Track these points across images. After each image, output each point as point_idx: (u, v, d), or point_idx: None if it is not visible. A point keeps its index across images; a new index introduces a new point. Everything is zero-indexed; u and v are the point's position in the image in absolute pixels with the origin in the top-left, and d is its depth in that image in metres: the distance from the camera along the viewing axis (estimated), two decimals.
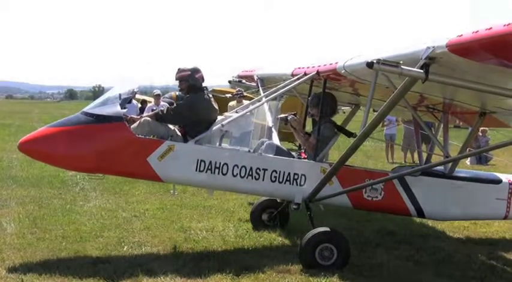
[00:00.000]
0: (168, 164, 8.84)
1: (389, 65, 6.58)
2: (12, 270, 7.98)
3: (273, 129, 10.29)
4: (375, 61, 6.65)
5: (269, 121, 10.23)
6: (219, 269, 8.22)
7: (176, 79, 9.63)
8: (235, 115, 9.47)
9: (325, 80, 9.40)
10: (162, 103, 19.81)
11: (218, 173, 8.96)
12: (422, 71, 6.42)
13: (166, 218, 11.38)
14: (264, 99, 10.08)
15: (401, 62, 6.57)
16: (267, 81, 11.95)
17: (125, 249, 9.28)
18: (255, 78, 12.42)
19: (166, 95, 22.92)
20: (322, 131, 9.50)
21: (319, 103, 9.61)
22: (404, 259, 9.36)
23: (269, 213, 10.84)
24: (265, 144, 9.40)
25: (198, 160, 8.92)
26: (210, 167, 8.94)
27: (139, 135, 8.86)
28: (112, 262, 8.49)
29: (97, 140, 8.70)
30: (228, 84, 14.94)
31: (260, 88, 11.75)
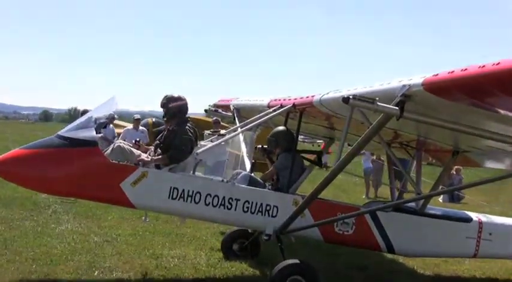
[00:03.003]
0: (141, 190, 8.76)
1: (365, 101, 6.65)
2: None
3: (247, 159, 10.29)
4: (351, 97, 6.72)
5: (244, 151, 10.23)
6: None
7: (164, 107, 9.56)
8: (210, 144, 9.45)
9: (301, 113, 9.44)
10: (141, 128, 19.74)
11: (191, 201, 8.91)
12: (397, 108, 6.48)
13: (138, 244, 11.30)
14: (239, 130, 10.12)
15: (377, 98, 6.64)
16: (243, 111, 11.99)
17: (95, 274, 9.22)
18: (231, 108, 12.43)
19: (142, 121, 22.81)
20: (279, 159, 9.71)
21: (277, 140, 9.90)
22: None
23: (240, 244, 10.81)
24: (239, 174, 9.41)
25: (171, 188, 8.85)
26: (182, 195, 8.88)
27: (113, 161, 8.80)
28: None
29: (70, 164, 8.60)
30: (204, 113, 14.88)
31: (236, 118, 11.80)
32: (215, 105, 13.92)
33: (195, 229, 12.93)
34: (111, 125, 19.10)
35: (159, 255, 10.53)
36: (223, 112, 13.44)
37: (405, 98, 6.42)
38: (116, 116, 19.80)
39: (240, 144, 10.18)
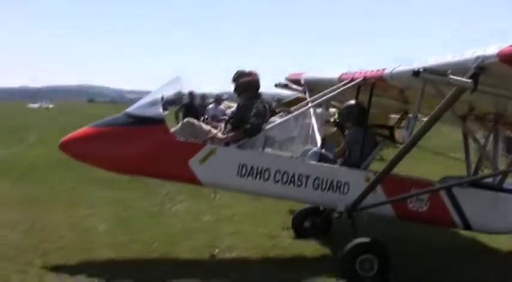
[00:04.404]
0: (209, 168, 8.68)
1: (437, 73, 6.39)
2: (106, 268, 8.19)
3: (317, 135, 10.11)
4: (421, 70, 6.47)
5: (314, 126, 10.03)
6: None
7: (234, 82, 9.53)
8: (279, 120, 9.31)
9: (372, 86, 9.20)
10: (222, 105, 19.88)
11: (260, 179, 8.79)
12: (470, 81, 6.20)
13: (253, 223, 11.39)
14: (310, 104, 9.91)
15: (449, 70, 6.36)
16: (314, 86, 11.77)
17: (215, 252, 9.39)
18: (302, 81, 12.24)
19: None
20: (350, 134, 9.51)
21: (348, 115, 9.63)
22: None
23: (312, 221, 10.73)
24: (309, 150, 9.25)
25: (239, 165, 8.73)
26: (251, 172, 8.76)
27: (181, 138, 8.76)
28: (204, 265, 8.71)
29: (137, 142, 8.57)
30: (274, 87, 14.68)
31: (307, 92, 11.61)
32: (287, 79, 13.75)
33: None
34: (221, 105, 19.69)
35: (274, 235, 10.57)
36: (294, 86, 13.26)
37: (479, 70, 6.14)
38: (224, 96, 20.32)
39: (311, 120, 9.99)
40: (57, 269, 8.03)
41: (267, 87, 10.39)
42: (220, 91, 21.43)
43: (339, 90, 9.61)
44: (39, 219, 10.84)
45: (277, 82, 13.67)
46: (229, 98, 21.08)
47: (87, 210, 11.88)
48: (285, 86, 13.49)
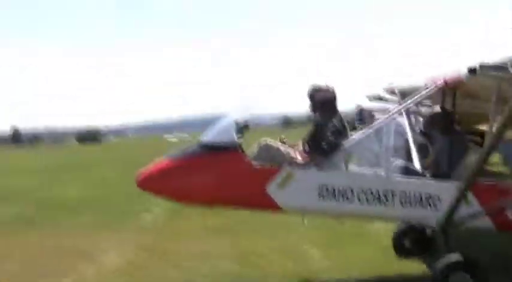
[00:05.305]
0: (289, 192, 8.24)
1: (495, 68, 5.82)
2: None
3: (403, 145, 9.41)
4: (477, 66, 5.90)
5: (399, 137, 9.40)
6: None
7: (310, 98, 9.12)
8: (359, 135, 8.76)
9: (454, 90, 8.54)
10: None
11: (343, 199, 8.27)
12: None
13: None
14: (389, 115, 9.24)
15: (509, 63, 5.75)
16: (406, 94, 11.13)
17: None
18: (396, 91, 11.66)
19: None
20: (437, 143, 8.95)
21: (432, 122, 8.92)
22: None
23: (411, 238, 10.17)
24: (392, 164, 8.68)
25: (320, 186, 8.26)
26: (333, 193, 8.26)
27: (256, 163, 8.36)
28: None
29: (212, 171, 8.32)
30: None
31: (400, 102, 10.99)
32: (384, 90, 13.18)
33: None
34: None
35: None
36: (387, 95, 12.69)
37: None
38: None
39: (397, 130, 9.36)
40: None
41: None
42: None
43: (416, 97, 8.92)
44: None
45: (370, 94, 13.17)
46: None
47: None
48: (378, 98, 12.95)
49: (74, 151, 73.02)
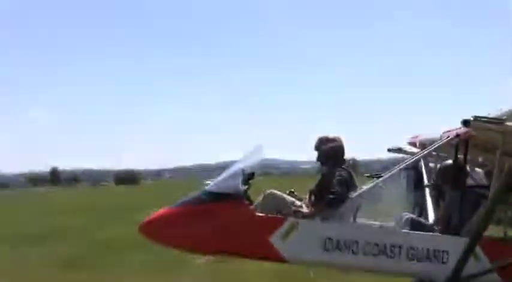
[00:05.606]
0: (293, 243, 8.09)
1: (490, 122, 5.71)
2: None
3: (419, 196, 9.26)
4: (471, 118, 5.79)
5: (412, 188, 9.25)
6: None
7: (317, 149, 8.97)
8: (366, 186, 8.60)
9: (466, 142, 8.36)
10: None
11: (348, 252, 8.11)
12: None
13: None
14: (398, 167, 9.07)
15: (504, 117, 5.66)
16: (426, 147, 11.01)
17: None
18: (417, 144, 11.48)
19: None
20: (446, 198, 8.69)
21: (443, 176, 8.67)
22: None
23: None
24: (401, 217, 8.50)
25: (325, 238, 8.10)
26: (338, 246, 8.11)
27: (260, 213, 8.25)
28: None
29: (215, 220, 8.15)
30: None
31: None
32: (409, 143, 13.04)
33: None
34: None
35: None
36: (408, 149, 12.55)
37: None
38: None
39: (402, 183, 9.24)
40: None
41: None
42: None
43: (427, 150, 8.79)
44: None
45: (391, 146, 13.04)
46: None
47: None
48: (399, 150, 12.81)
49: (113, 192, 73.02)
